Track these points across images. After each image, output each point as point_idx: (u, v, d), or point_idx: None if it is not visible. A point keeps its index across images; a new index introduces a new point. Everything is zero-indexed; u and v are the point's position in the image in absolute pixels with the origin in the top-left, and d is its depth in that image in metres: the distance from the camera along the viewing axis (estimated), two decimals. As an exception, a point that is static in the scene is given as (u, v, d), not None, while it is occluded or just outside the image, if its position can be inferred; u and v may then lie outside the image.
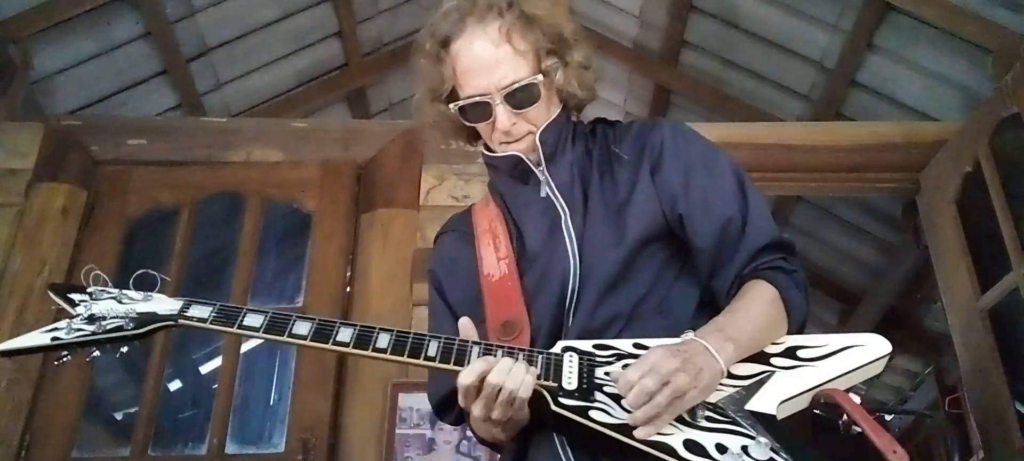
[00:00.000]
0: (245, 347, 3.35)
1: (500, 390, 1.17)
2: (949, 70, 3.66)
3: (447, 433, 2.90)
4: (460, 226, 1.56)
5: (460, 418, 1.41)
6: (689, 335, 1.22)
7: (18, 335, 1.29)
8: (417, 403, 2.93)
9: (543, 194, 1.42)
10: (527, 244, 1.42)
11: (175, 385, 4.50)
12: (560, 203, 1.40)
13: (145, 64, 4.05)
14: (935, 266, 3.32)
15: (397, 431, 2.89)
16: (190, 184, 3.38)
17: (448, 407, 1.44)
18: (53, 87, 3.80)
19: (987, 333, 2.93)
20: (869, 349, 1.29)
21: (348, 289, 3.19)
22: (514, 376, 1.18)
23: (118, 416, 4.40)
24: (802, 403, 1.25)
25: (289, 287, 3.49)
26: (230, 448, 2.96)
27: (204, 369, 4.70)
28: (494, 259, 1.43)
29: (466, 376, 1.19)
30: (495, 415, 1.19)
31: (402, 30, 4.80)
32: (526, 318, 1.34)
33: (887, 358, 1.30)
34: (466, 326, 1.27)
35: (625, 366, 1.18)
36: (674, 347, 1.18)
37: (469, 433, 2.91)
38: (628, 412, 1.15)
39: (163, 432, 3.18)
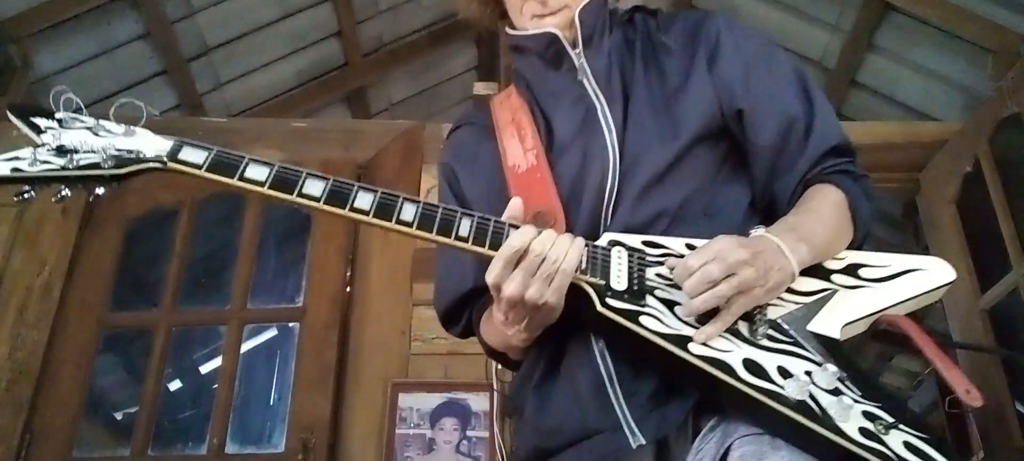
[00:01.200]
0: (245, 347, 3.35)
1: (543, 263, 1.04)
2: (949, 70, 3.66)
3: (447, 433, 2.90)
4: (478, 119, 1.42)
5: (468, 329, 1.32)
6: (759, 230, 1.11)
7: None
8: (417, 403, 2.93)
9: (577, 81, 1.29)
10: (557, 135, 1.28)
11: (175, 385, 4.51)
12: (595, 92, 1.27)
13: (145, 64, 4.05)
14: (935, 266, 3.31)
15: (397, 431, 2.88)
16: (190, 184, 3.36)
17: (456, 316, 1.33)
18: (53, 87, 3.77)
19: (987, 333, 2.93)
20: (932, 274, 1.18)
21: (348, 289, 3.19)
22: (560, 246, 1.05)
23: (118, 416, 4.40)
24: (863, 327, 1.14)
25: (289, 287, 3.49)
26: (230, 448, 2.95)
27: (204, 369, 4.70)
28: (520, 150, 1.28)
29: (509, 246, 1.04)
30: (529, 293, 1.04)
31: (402, 30, 4.80)
32: (561, 209, 1.20)
33: (950, 286, 1.19)
34: (515, 206, 1.12)
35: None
36: (743, 238, 1.07)
37: (469, 433, 2.93)
38: (685, 324, 1.04)
39: (163, 432, 3.19)
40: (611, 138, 1.22)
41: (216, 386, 3.13)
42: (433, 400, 2.95)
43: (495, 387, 2.95)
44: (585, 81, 1.28)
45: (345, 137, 3.53)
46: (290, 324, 3.41)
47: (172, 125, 3.90)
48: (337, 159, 3.39)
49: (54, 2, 3.58)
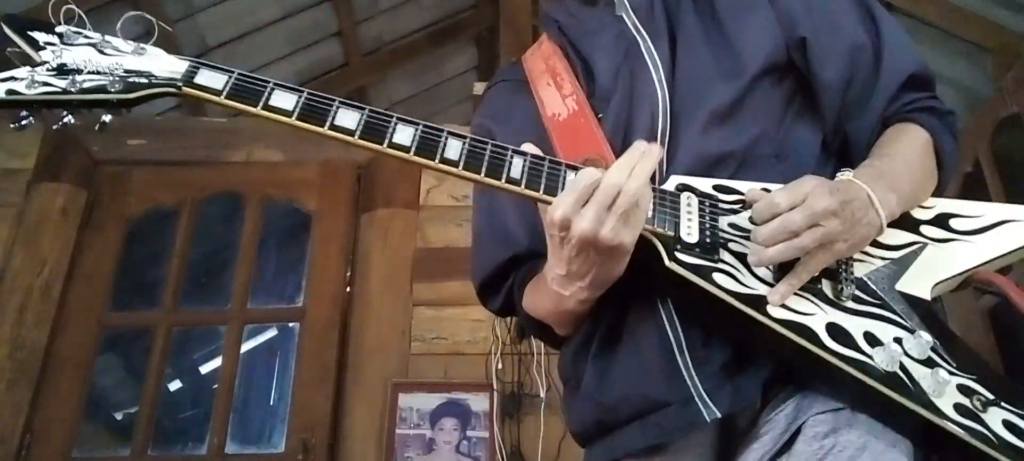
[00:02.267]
0: (245, 347, 3.35)
1: (620, 195, 0.90)
2: (949, 70, 3.66)
3: (447, 433, 2.90)
4: (510, 75, 1.31)
5: (508, 303, 1.20)
6: (847, 174, 0.99)
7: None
8: (417, 403, 2.93)
9: (614, 16, 1.17)
10: (597, 78, 1.16)
11: (175, 385, 4.50)
12: (636, 26, 1.15)
13: (145, 64, 4.04)
14: (935, 266, 3.31)
15: (397, 431, 2.88)
16: (190, 184, 3.38)
17: (495, 287, 1.21)
18: (53, 87, 3.79)
19: (987, 333, 2.93)
20: None
21: (348, 289, 3.19)
22: (636, 178, 0.91)
23: (118, 416, 4.39)
24: (952, 286, 1.04)
25: (289, 287, 3.49)
26: (230, 448, 2.96)
27: (204, 369, 4.69)
28: (558, 98, 1.17)
29: (585, 176, 0.91)
30: (605, 232, 0.90)
31: (402, 30, 4.80)
32: (611, 155, 1.06)
33: None
34: (531, 151, 0.99)
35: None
36: (833, 184, 0.95)
37: (469, 433, 2.93)
38: (763, 283, 0.93)
39: (163, 432, 3.19)
40: (659, 75, 1.10)
41: (216, 386, 3.13)
42: (433, 400, 2.95)
43: (495, 387, 2.95)
44: (624, 16, 1.17)
45: (345, 137, 3.53)
46: (290, 324, 3.41)
47: (172, 125, 3.90)
48: (337, 159, 3.38)
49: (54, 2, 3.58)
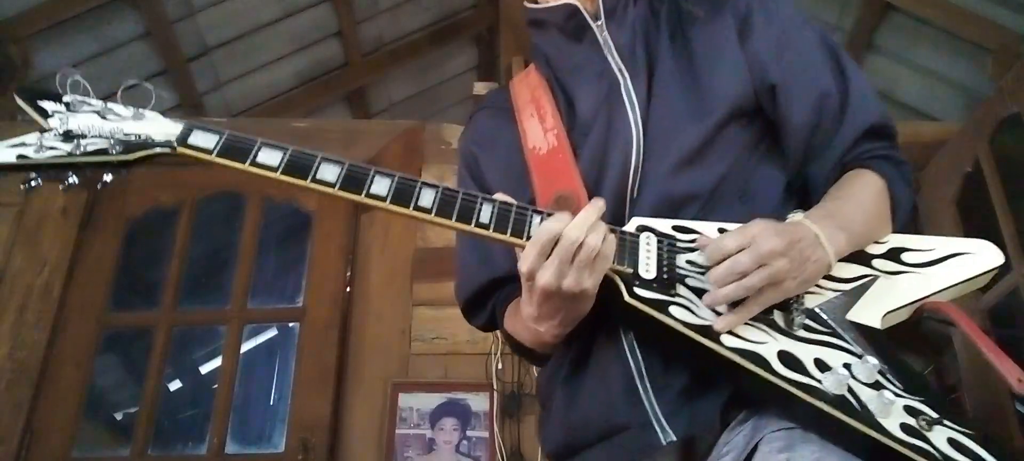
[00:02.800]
0: (245, 347, 3.35)
1: (581, 249, 0.96)
2: (949, 70, 3.67)
3: (447, 433, 2.90)
4: (497, 102, 1.37)
5: (491, 322, 1.26)
6: (797, 215, 1.05)
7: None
8: (417, 403, 2.93)
9: (599, 55, 1.23)
10: (578, 113, 1.22)
11: (175, 385, 4.51)
12: (618, 66, 1.21)
13: (145, 64, 4.04)
14: (935, 266, 3.31)
15: (397, 431, 2.89)
16: (190, 184, 3.37)
17: (478, 306, 1.27)
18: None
19: (987, 333, 2.93)
20: (980, 258, 1.12)
21: (348, 289, 3.19)
22: (598, 231, 0.98)
23: (118, 416, 4.40)
24: (904, 316, 1.08)
25: (289, 287, 3.49)
26: (230, 448, 2.95)
27: (204, 369, 4.70)
28: (540, 131, 1.23)
29: (545, 230, 0.97)
30: (566, 283, 0.97)
31: (402, 30, 4.80)
32: (583, 191, 1.13)
33: (996, 271, 1.13)
34: (499, 198, 1.05)
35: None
36: (780, 225, 1.01)
37: (469, 433, 2.93)
38: (717, 314, 0.99)
39: (163, 432, 3.19)
40: (634, 115, 1.16)
41: (216, 386, 3.13)
42: (433, 400, 2.95)
43: (495, 387, 2.95)
44: (608, 55, 1.22)
45: (345, 137, 3.53)
46: (290, 324, 3.42)
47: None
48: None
49: (54, 2, 3.58)
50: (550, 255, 0.98)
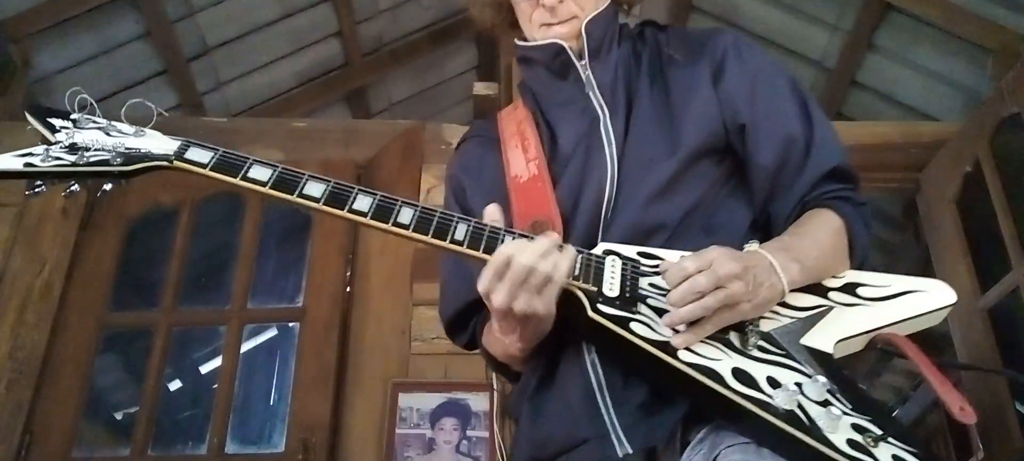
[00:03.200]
0: (245, 347, 3.35)
1: (531, 274, 1.04)
2: (949, 70, 3.67)
3: (447, 433, 2.90)
4: (484, 132, 1.44)
5: (474, 341, 1.33)
6: (753, 245, 1.12)
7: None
8: (417, 403, 2.93)
9: (582, 92, 1.31)
10: (559, 145, 1.31)
11: (175, 385, 4.51)
12: (600, 103, 1.29)
13: (145, 64, 4.05)
14: (935, 266, 3.32)
15: (397, 431, 2.88)
16: (190, 184, 3.37)
17: (461, 325, 1.34)
18: (53, 87, 3.79)
19: (987, 333, 2.93)
20: (932, 296, 1.18)
21: (348, 289, 3.19)
22: (548, 259, 1.05)
23: (118, 416, 4.41)
24: (858, 345, 1.14)
25: (289, 287, 3.49)
26: (230, 448, 2.95)
27: (204, 369, 4.70)
28: (522, 161, 1.31)
29: (499, 253, 1.06)
30: (518, 305, 1.05)
31: (402, 30, 4.80)
32: (558, 218, 1.21)
33: (949, 308, 1.20)
34: (492, 212, 1.14)
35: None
36: (737, 252, 1.08)
37: (469, 433, 2.93)
38: (676, 332, 1.05)
39: (163, 432, 3.19)
40: (611, 150, 1.23)
41: (216, 386, 3.13)
42: (433, 400, 2.95)
43: (495, 387, 2.95)
44: (590, 92, 1.30)
45: (345, 137, 3.53)
46: (290, 324, 3.41)
47: (172, 125, 3.90)
48: (337, 159, 3.38)
49: (54, 2, 3.58)
50: (504, 278, 1.05)
